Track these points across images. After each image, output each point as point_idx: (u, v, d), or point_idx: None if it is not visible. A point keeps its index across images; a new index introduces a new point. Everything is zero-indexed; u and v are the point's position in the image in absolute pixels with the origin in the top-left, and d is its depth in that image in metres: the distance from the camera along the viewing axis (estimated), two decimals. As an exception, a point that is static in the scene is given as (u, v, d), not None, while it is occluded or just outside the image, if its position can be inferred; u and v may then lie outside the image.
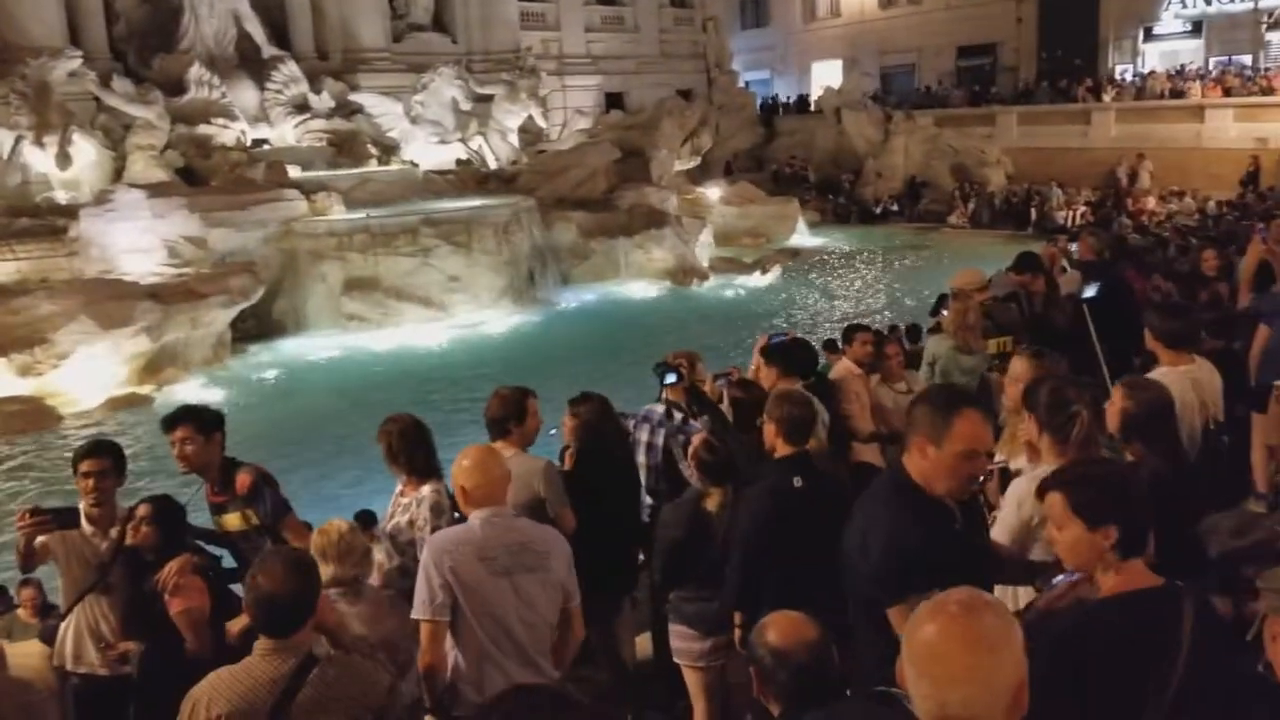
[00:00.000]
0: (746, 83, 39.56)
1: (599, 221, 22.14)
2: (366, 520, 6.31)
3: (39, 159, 18.49)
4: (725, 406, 5.95)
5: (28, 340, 13.84)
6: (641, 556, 5.55)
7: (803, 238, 27.34)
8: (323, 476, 10.11)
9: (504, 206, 20.61)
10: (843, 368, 6.82)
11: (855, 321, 8.90)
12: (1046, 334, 6.68)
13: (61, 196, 18.41)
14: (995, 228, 26.63)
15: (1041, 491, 2.79)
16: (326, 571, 3.91)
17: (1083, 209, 26.03)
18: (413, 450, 4.63)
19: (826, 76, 39.91)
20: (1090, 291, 6.63)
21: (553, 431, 5.55)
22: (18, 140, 18.29)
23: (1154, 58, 33.32)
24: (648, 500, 5.72)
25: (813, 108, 35.70)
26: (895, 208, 29.80)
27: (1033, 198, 27.39)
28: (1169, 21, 33.16)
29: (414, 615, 3.59)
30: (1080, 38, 34.20)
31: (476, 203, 20.92)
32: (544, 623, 3.69)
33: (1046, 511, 2.79)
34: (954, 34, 38.59)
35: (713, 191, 26.92)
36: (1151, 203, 25.58)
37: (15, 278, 15.55)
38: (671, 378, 5.81)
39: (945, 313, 7.09)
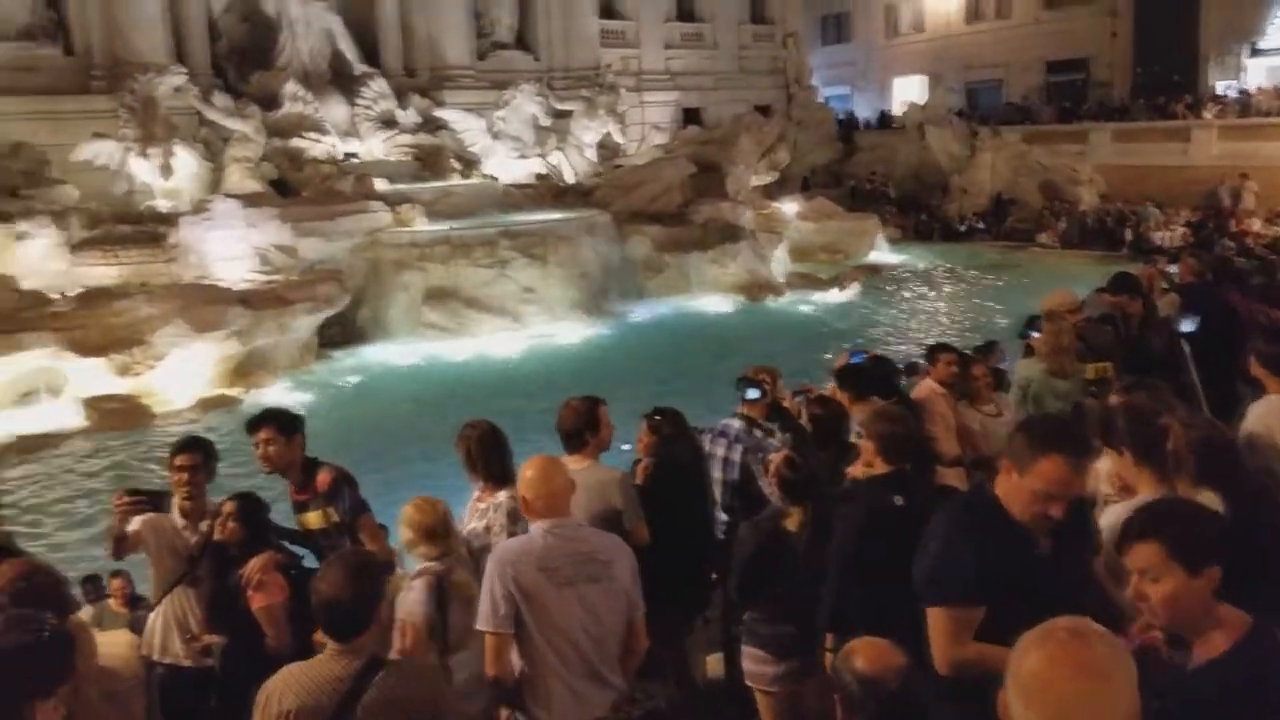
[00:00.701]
0: (826, 98, 39.31)
1: (673, 235, 22.19)
2: None
3: (144, 169, 19.28)
4: (803, 423, 5.91)
5: (127, 341, 14.41)
6: (714, 574, 5.52)
7: (883, 254, 26.98)
8: (401, 479, 10.28)
9: (579, 220, 20.84)
10: (926, 388, 6.64)
11: (939, 340, 8.75)
12: (1143, 358, 6.47)
13: (163, 205, 19.17)
14: (1087, 248, 25.89)
15: (1126, 544, 2.54)
16: (429, 549, 4.04)
17: (1182, 230, 25.13)
18: (490, 456, 4.71)
19: (909, 92, 39.47)
20: (1189, 326, 6.41)
21: (626, 447, 5.57)
22: (125, 151, 19.11)
23: (1259, 74, 32.15)
24: (722, 516, 5.70)
25: (894, 123, 35.32)
26: (981, 225, 29.23)
27: (1127, 218, 26.62)
28: (1275, 36, 32.00)
29: (478, 626, 3.60)
30: (1178, 53, 33.22)
31: (552, 216, 21.17)
32: (610, 634, 3.66)
33: (1135, 566, 2.53)
34: (1043, 49, 37.82)
35: (789, 207, 26.76)
36: (1257, 224, 24.65)
37: (118, 281, 16.20)
38: (754, 393, 5.78)
39: (1036, 335, 6.88)
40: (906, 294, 22.76)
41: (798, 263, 24.54)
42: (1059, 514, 2.99)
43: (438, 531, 4.16)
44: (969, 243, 28.36)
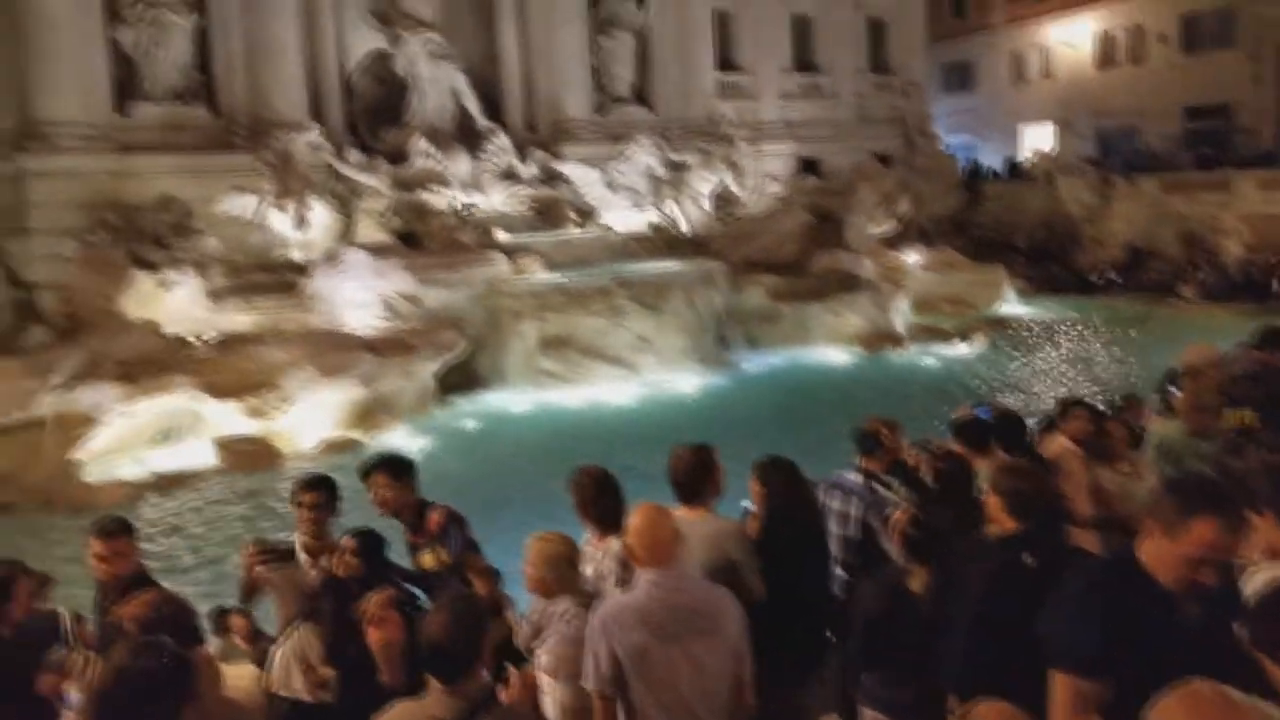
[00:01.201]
0: (949, 147, 38.65)
1: (790, 285, 22.01)
2: None
3: (280, 221, 20.27)
4: (925, 478, 5.67)
5: (259, 385, 15.04)
6: (831, 633, 5.31)
7: (1011, 306, 26.16)
8: (514, 524, 10.35)
9: (694, 269, 20.87)
10: (1058, 445, 6.37)
11: (1071, 396, 8.36)
12: (1291, 417, 6.02)
13: (297, 255, 20.08)
14: (1231, 301, 24.52)
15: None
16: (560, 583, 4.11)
17: (1334, 281, 23.66)
18: (602, 502, 4.66)
19: (1037, 139, 38.46)
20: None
21: (745, 504, 5.45)
22: (263, 205, 20.15)
23: None
24: (840, 573, 5.49)
25: (1022, 172, 34.42)
26: (1116, 277, 28.05)
27: (1275, 269, 25.16)
28: None
29: (582, 683, 3.54)
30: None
31: (668, 266, 21.28)
32: (717, 690, 3.57)
33: None
34: (1181, 94, 36.39)
35: (912, 257, 26.25)
36: None
37: (253, 328, 16.96)
38: (872, 448, 5.59)
39: (1176, 392, 6.49)
40: (1036, 348, 21.87)
41: (921, 314, 23.98)
42: (1211, 580, 2.84)
43: (567, 565, 4.14)
44: (1104, 296, 27.21)
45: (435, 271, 18.79)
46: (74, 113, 20.36)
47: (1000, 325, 23.73)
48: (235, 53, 22.60)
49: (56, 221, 19.41)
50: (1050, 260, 29.82)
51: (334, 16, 24.65)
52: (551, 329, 18.75)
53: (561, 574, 4.15)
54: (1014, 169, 36.09)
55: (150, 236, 18.38)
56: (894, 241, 27.36)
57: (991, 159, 39.68)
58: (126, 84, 21.77)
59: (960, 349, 21.47)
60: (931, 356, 21.06)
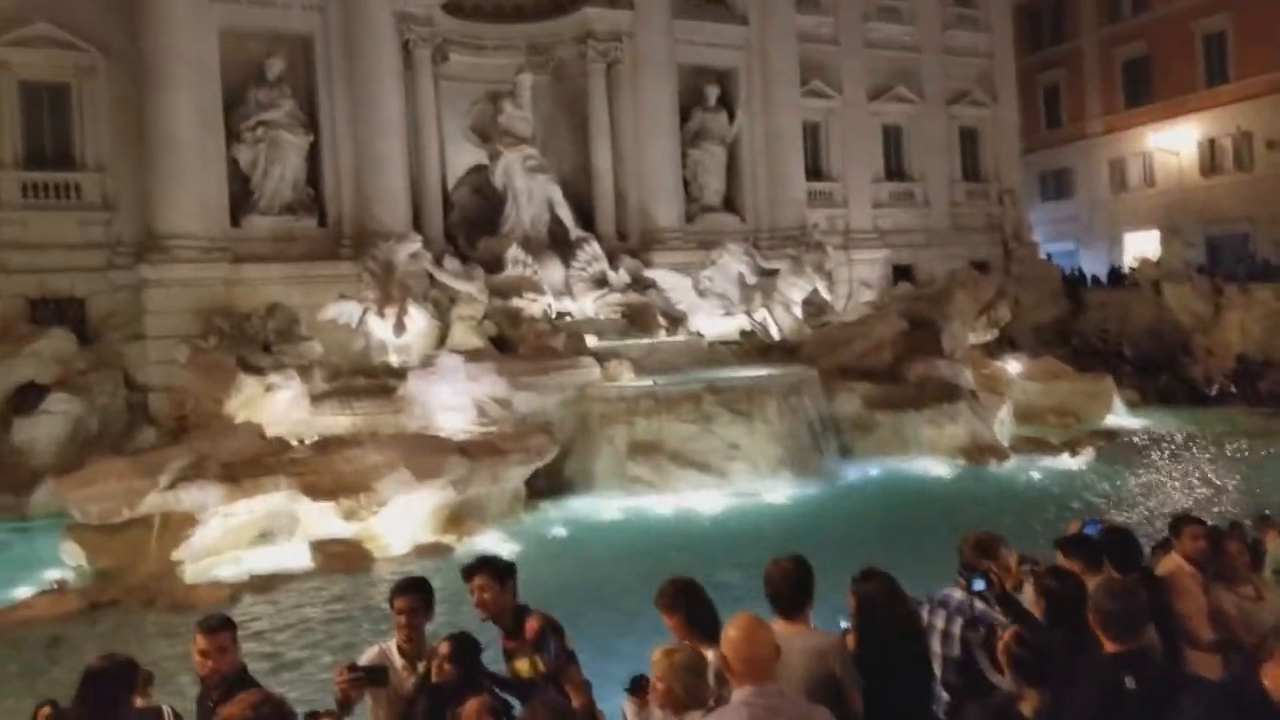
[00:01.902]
0: (1049, 254, 38.03)
1: (885, 393, 21.49)
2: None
3: (380, 327, 20.96)
4: (1031, 595, 5.34)
5: (354, 487, 15.24)
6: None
7: (1120, 419, 25.06)
8: (604, 633, 10.12)
9: (785, 376, 20.64)
10: (1172, 564, 6.02)
11: (1186, 513, 7.86)
12: None
13: (394, 360, 20.67)
14: (1356, 414, 23.18)
15: None
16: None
17: None
18: (693, 614, 4.56)
19: (1140, 247, 37.54)
20: None
21: (842, 621, 5.25)
22: (365, 311, 20.89)
23: None
24: (943, 694, 5.17)
25: (1126, 279, 33.55)
26: (1231, 388, 26.79)
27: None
28: None
29: None
30: None
31: (758, 372, 21.10)
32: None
33: None
34: (1292, 201, 35.23)
35: (1013, 366, 25.54)
36: None
37: (351, 430, 17.37)
38: (980, 584, 5.32)
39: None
40: (1149, 462, 20.73)
41: (1024, 425, 23.19)
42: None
43: (696, 678, 3.99)
44: (1219, 408, 25.91)
45: (527, 376, 19.01)
46: (192, 226, 21.63)
47: (1109, 437, 22.71)
48: (344, 168, 23.84)
49: (171, 328, 20.46)
50: (1160, 370, 28.71)
51: (437, 133, 25.86)
52: (641, 435, 18.66)
53: (692, 687, 4.03)
54: (1117, 276, 35.21)
55: (258, 341, 19.17)
56: (993, 349, 26.75)
57: (1093, 266, 38.83)
58: (241, 199, 23.10)
59: (1067, 462, 20.53)
60: (1036, 470, 20.15)
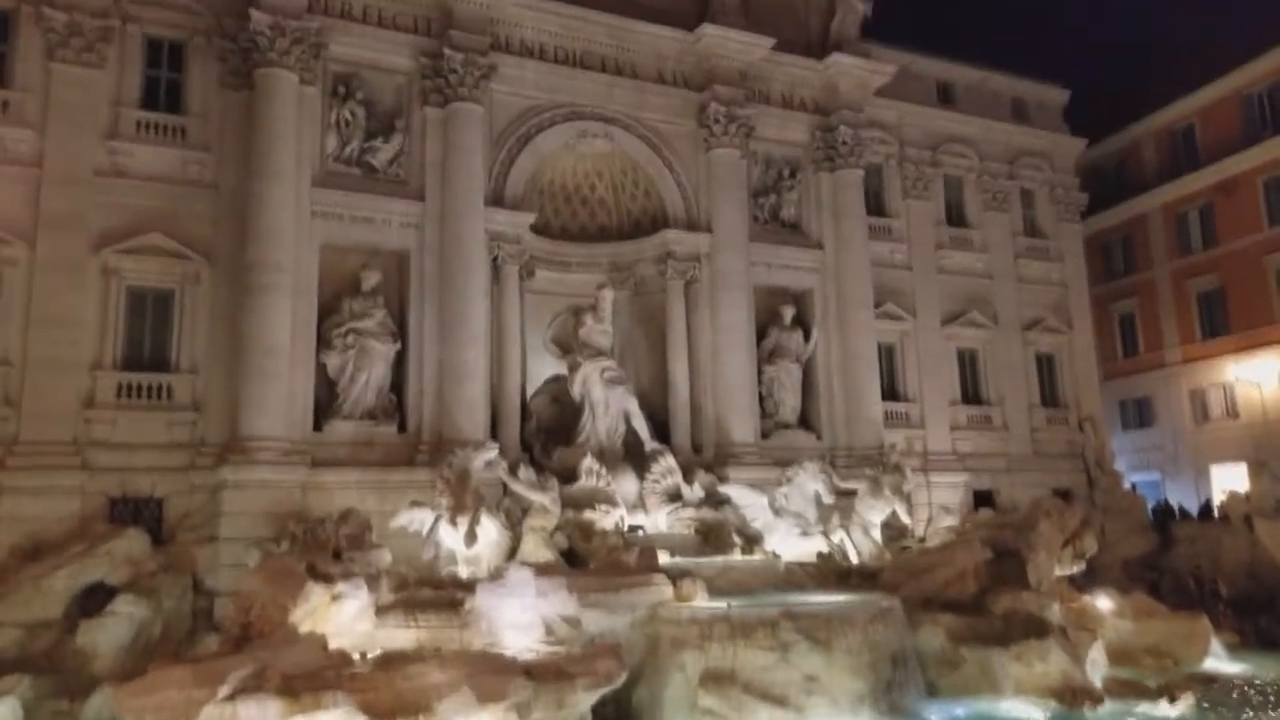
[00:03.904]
0: (1133, 484, 36.83)
1: (970, 626, 20.30)
2: None
3: (450, 537, 20.67)
4: None
5: (415, 706, 14.48)
6: None
7: (1219, 662, 23.27)
8: None
9: (865, 603, 19.66)
10: None
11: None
12: None
13: (463, 572, 20.26)
14: None
15: None
16: None
17: None
18: None
19: (1229, 479, 36.20)
20: None
21: None
22: (437, 519, 20.69)
23: None
24: None
25: (1215, 513, 32.15)
26: (1341, 635, 24.93)
27: None
28: None
29: None
30: None
31: (837, 598, 20.21)
32: None
33: None
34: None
35: (1102, 602, 24.15)
36: None
37: (414, 645, 16.77)
38: None
39: None
40: (1254, 711, 19.11)
41: (1117, 666, 21.59)
42: None
43: None
44: (1331, 654, 24.06)
45: (597, 593, 18.38)
46: (276, 429, 22.08)
47: (1209, 683, 20.96)
48: (427, 376, 24.43)
49: (245, 530, 20.53)
50: (1259, 611, 26.89)
51: (519, 344, 26.56)
52: (713, 662, 17.66)
53: None
54: (1206, 510, 33.79)
55: (329, 548, 19.00)
56: (1081, 583, 25.46)
57: (1180, 497, 37.43)
58: (325, 403, 23.64)
59: (1166, 709, 18.93)
60: (1134, 716, 18.63)
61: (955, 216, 35.68)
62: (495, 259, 25.86)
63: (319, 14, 24.44)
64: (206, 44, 24.57)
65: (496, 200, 26.03)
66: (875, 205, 33.37)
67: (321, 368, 23.83)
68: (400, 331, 24.69)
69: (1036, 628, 20.24)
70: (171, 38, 24.55)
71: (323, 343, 23.82)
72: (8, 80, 22.88)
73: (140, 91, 24.05)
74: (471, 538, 20.48)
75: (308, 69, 24.09)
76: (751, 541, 24.29)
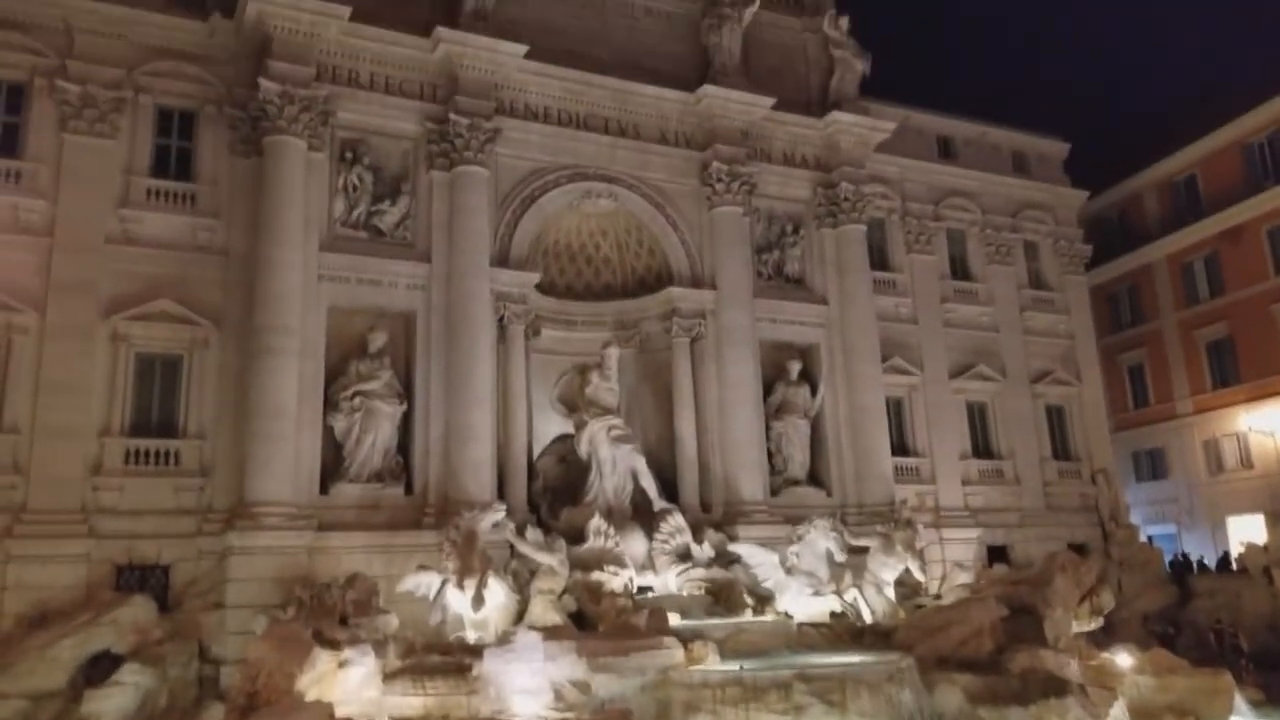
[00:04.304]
0: (1149, 537, 36.39)
1: (988, 685, 19.89)
2: None
3: (457, 600, 20.43)
4: None
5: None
6: None
7: (1243, 719, 22.83)
8: None
9: (880, 664, 19.34)
10: None
11: None
12: None
13: (471, 636, 20.00)
14: None
15: None
16: None
17: None
18: None
19: (1246, 531, 35.74)
20: None
21: None
22: (444, 583, 20.46)
23: None
24: None
25: (1234, 565, 31.71)
26: (1368, 689, 24.37)
27: None
28: None
29: None
30: None
31: (851, 659, 19.88)
32: None
33: None
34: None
35: (1122, 658, 23.68)
36: None
37: (420, 713, 16.54)
38: None
39: None
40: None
41: (1139, 724, 21.15)
42: None
43: None
44: (1358, 711, 23.52)
45: (606, 657, 18.11)
46: (283, 493, 21.98)
47: (1237, 741, 20.58)
48: (434, 436, 24.36)
49: (252, 597, 20.35)
50: (1282, 666, 26.39)
51: (526, 403, 26.50)
52: (726, 726, 17.39)
53: None
54: (1225, 562, 33.32)
55: (336, 613, 18.81)
56: (1099, 639, 25.03)
57: (1197, 550, 36.94)
58: (332, 466, 23.56)
59: (1193, 769, 18.52)
60: (1161, 778, 18.21)
61: (959, 269, 35.79)
62: (501, 319, 25.95)
63: (327, 82, 24.85)
64: (217, 112, 24.97)
65: (502, 260, 26.21)
66: (879, 259, 33.50)
67: (328, 430, 23.78)
68: (406, 392, 24.69)
69: (1055, 686, 19.85)
70: (182, 107, 24.95)
71: (329, 405, 23.80)
72: (20, 151, 23.21)
73: (151, 159, 24.38)
74: (479, 601, 20.24)
75: (316, 135, 24.44)
76: (763, 601, 23.99)
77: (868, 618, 24.04)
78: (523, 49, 26.53)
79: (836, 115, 31.30)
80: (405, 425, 24.64)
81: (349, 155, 25.36)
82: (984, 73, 76.12)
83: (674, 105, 29.38)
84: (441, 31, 25.65)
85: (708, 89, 29.19)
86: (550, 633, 18.73)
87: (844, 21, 32.44)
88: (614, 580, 22.78)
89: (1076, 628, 23.93)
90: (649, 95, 28.96)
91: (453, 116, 25.78)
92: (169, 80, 24.81)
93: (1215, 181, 41.76)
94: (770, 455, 29.17)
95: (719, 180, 29.24)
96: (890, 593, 25.12)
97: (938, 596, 26.44)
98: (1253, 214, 39.75)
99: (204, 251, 24.07)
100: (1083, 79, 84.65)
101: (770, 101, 30.04)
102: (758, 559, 24.86)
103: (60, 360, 22.09)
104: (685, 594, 23.83)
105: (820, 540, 24.97)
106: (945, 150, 36.82)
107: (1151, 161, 44.47)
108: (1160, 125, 47.02)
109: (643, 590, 23.43)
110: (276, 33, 24.08)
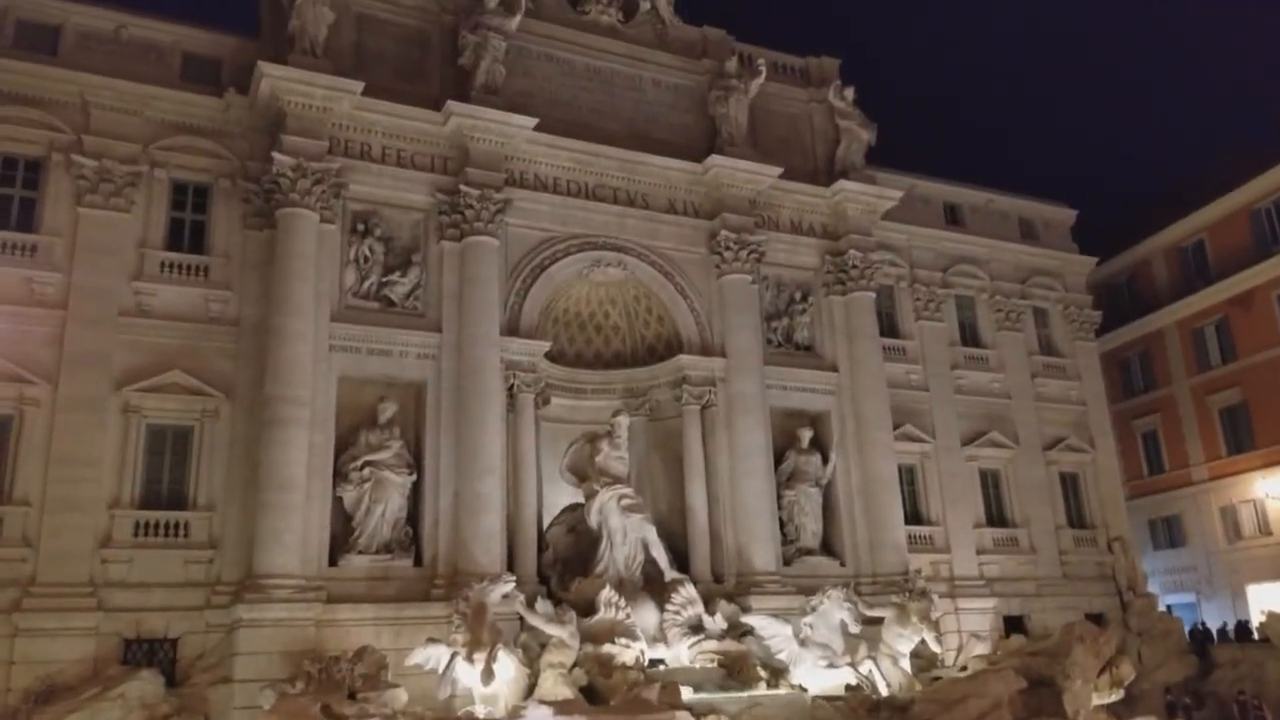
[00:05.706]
0: (1169, 606, 35.72)
1: (1010, 762, 19.49)
2: None
3: (467, 674, 20.06)
4: None
5: None
6: None
7: (1274, 795, 22.19)
8: None
9: (901, 741, 18.94)
10: None
11: None
12: None
13: (480, 711, 19.61)
14: None
15: None
16: None
17: None
18: None
19: (1266, 599, 35.06)
20: None
21: None
22: (453, 656, 20.10)
23: None
24: None
25: (1255, 635, 31.05)
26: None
27: None
28: None
29: None
30: None
31: (870, 734, 19.44)
32: None
33: None
34: None
35: (1147, 732, 23.15)
36: None
37: (427, 792, 16.12)
38: None
39: None
40: None
41: (1166, 803, 20.54)
42: None
43: None
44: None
45: (618, 733, 17.78)
46: (291, 565, 21.77)
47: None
48: (443, 507, 24.18)
49: (260, 670, 20.03)
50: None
51: (535, 473, 26.34)
52: (741, 806, 16.95)
53: None
54: (1244, 631, 32.65)
55: (345, 687, 18.50)
56: (1120, 711, 24.41)
57: (1216, 620, 36.23)
58: (341, 538, 23.36)
59: None
60: None
61: (969, 336, 35.77)
62: (511, 387, 25.93)
63: (339, 155, 25.24)
64: (231, 186, 25.35)
65: (512, 330, 26.29)
66: (888, 326, 33.54)
67: (338, 501, 23.62)
68: (416, 462, 24.57)
69: (1079, 762, 19.39)
70: (197, 180, 25.34)
71: (339, 476, 23.67)
72: (36, 225, 23.50)
73: (165, 232, 24.68)
74: (489, 675, 19.87)
75: (328, 208, 24.74)
76: (777, 674, 23.57)
77: (883, 690, 23.57)
78: (533, 121, 26.96)
79: (843, 184, 31.61)
80: (414, 495, 24.46)
81: (361, 227, 25.65)
82: (990, 139, 77.09)
83: (682, 175, 29.73)
84: (453, 105, 26.10)
85: (715, 159, 29.56)
86: (561, 707, 18.40)
87: (849, 92, 32.92)
88: (625, 653, 22.40)
89: (1096, 700, 23.39)
90: (657, 165, 29.34)
91: (463, 188, 26.11)
92: (184, 154, 25.24)
93: (1223, 247, 41.86)
94: (782, 524, 28.87)
95: (727, 248, 29.45)
96: (906, 664, 24.66)
97: (965, 668, 25.96)
98: (1262, 279, 39.75)
99: (216, 323, 24.24)
100: (1088, 145, 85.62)
101: (777, 171, 30.39)
102: (771, 630, 24.47)
103: (72, 432, 22.11)
104: (698, 667, 23.43)
105: (834, 611, 24.59)
106: (952, 217, 37.08)
107: (1159, 227, 44.64)
108: (1167, 191, 47.35)
109: (654, 663, 23.04)
110: (290, 108, 24.53)
